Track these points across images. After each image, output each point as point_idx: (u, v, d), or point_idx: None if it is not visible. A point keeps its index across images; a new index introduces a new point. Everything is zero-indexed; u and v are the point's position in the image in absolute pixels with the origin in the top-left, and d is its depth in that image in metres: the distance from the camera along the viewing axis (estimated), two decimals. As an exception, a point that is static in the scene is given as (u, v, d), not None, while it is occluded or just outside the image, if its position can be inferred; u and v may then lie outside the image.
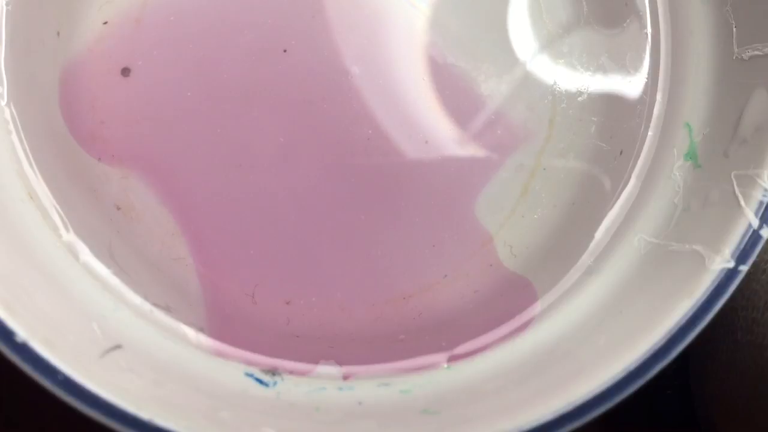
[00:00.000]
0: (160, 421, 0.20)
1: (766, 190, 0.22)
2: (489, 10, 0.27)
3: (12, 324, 0.20)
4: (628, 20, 0.27)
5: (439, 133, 0.27)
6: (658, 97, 0.27)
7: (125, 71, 0.26)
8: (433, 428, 0.22)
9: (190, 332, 0.25)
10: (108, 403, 0.20)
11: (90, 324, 0.23)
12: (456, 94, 0.27)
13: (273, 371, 0.24)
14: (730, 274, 0.22)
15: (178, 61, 0.26)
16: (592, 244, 0.26)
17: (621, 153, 0.27)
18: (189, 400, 0.22)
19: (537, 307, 0.26)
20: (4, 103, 0.24)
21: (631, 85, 0.27)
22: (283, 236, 0.26)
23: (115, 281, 0.24)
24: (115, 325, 0.23)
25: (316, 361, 0.25)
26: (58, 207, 0.24)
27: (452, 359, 0.25)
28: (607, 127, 0.27)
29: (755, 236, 0.22)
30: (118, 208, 0.26)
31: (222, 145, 0.26)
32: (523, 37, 0.27)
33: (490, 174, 0.27)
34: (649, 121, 0.27)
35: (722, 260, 0.22)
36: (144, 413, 0.20)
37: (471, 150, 0.27)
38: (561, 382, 0.22)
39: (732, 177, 0.23)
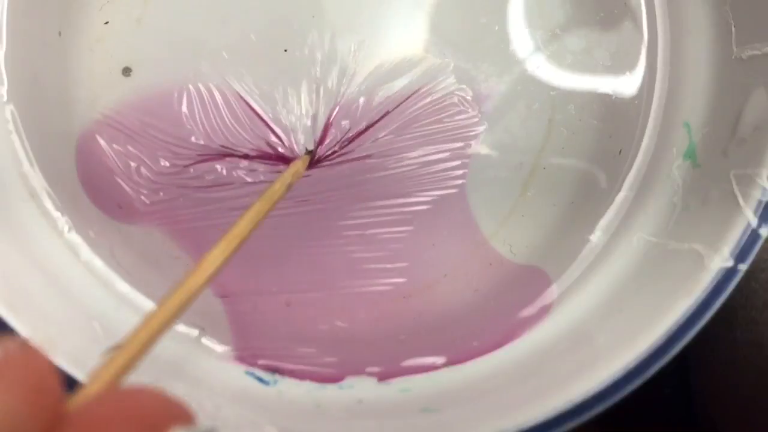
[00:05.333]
0: (161, 419, 0.20)
1: (765, 189, 0.22)
2: (488, 11, 0.27)
3: (13, 323, 0.20)
4: (626, 20, 0.27)
5: (439, 132, 0.27)
6: (657, 96, 0.27)
7: (126, 71, 0.26)
8: (433, 426, 0.22)
9: (192, 332, 0.25)
10: (109, 402, 0.20)
11: (91, 323, 0.23)
12: (456, 94, 0.27)
13: (274, 370, 0.24)
14: (729, 273, 0.22)
15: (178, 61, 0.26)
16: (591, 243, 0.26)
17: (620, 152, 0.27)
18: (190, 398, 0.22)
19: (536, 306, 0.26)
20: (5, 102, 0.24)
21: (629, 84, 0.27)
22: (282, 237, 0.26)
23: (116, 280, 0.24)
24: (116, 324, 0.23)
25: (316, 361, 0.25)
26: (59, 206, 0.24)
27: (452, 359, 0.25)
28: (605, 126, 0.27)
29: (754, 235, 0.22)
30: (120, 207, 0.26)
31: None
32: (522, 37, 0.27)
33: (490, 173, 0.27)
34: (648, 121, 0.27)
35: (721, 259, 0.22)
36: (145, 412, 0.20)
37: (471, 149, 0.27)
38: (560, 380, 0.22)
39: (731, 176, 0.23)
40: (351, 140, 0.26)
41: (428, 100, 0.27)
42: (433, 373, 0.25)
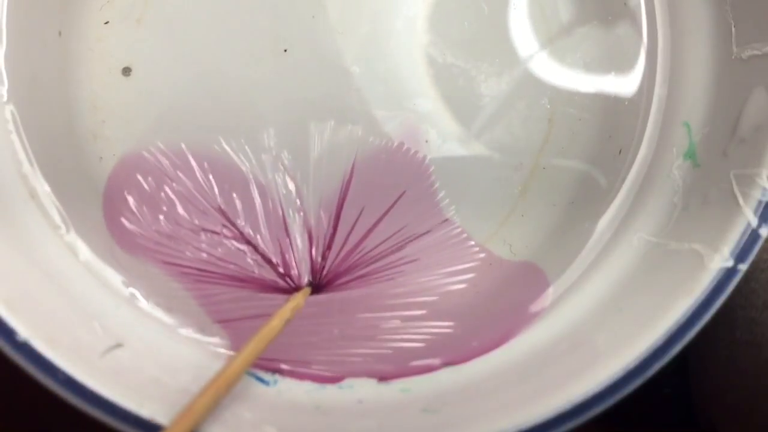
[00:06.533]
0: (161, 419, 0.20)
1: (764, 189, 0.22)
2: (489, 10, 0.27)
3: (13, 323, 0.20)
4: (626, 20, 0.27)
5: (439, 132, 0.27)
6: (657, 96, 0.27)
7: (126, 71, 0.26)
8: (433, 427, 0.22)
9: (191, 331, 0.25)
10: (109, 402, 0.20)
11: (91, 323, 0.23)
12: (456, 94, 0.27)
13: (274, 370, 0.24)
14: (729, 273, 0.22)
15: (178, 61, 0.26)
16: (591, 243, 0.26)
17: (620, 152, 0.27)
18: (190, 398, 0.22)
19: (536, 306, 0.26)
20: (5, 102, 0.24)
21: (629, 84, 0.27)
22: (281, 236, 0.26)
23: (116, 280, 0.24)
24: (116, 323, 0.23)
25: (316, 361, 0.25)
26: (59, 206, 0.24)
27: (452, 360, 0.25)
28: (605, 126, 0.27)
29: (754, 235, 0.22)
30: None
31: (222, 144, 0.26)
32: (522, 37, 0.27)
33: (490, 173, 0.27)
34: (648, 121, 0.27)
35: (721, 259, 0.22)
36: (145, 411, 0.20)
37: (471, 149, 0.27)
38: (560, 381, 0.22)
39: (731, 176, 0.23)
40: (329, 245, 0.26)
41: (369, 158, 0.26)
42: (433, 374, 0.25)
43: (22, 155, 0.24)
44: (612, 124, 0.27)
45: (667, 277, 0.23)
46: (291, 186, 0.26)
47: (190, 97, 0.26)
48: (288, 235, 0.26)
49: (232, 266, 0.25)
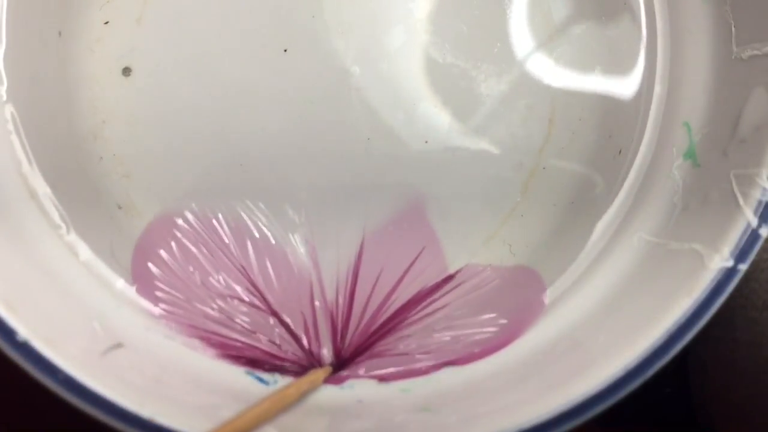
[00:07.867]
0: (160, 419, 0.20)
1: (764, 189, 0.22)
2: (488, 10, 0.27)
3: (13, 323, 0.20)
4: (626, 19, 0.27)
5: (439, 132, 0.27)
6: (657, 96, 0.27)
7: (126, 71, 0.26)
8: (433, 427, 0.22)
9: (192, 331, 0.25)
10: (109, 402, 0.20)
11: (91, 323, 0.23)
12: (456, 94, 0.27)
13: (274, 370, 0.24)
14: (729, 273, 0.22)
15: (178, 61, 0.26)
16: (591, 243, 0.26)
17: (620, 152, 0.27)
18: (190, 398, 0.22)
19: (537, 306, 0.26)
20: (4, 102, 0.24)
21: (629, 84, 0.27)
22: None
23: (116, 280, 0.24)
24: (116, 323, 0.23)
25: (314, 364, 0.25)
26: (59, 206, 0.24)
27: (452, 361, 0.25)
28: (605, 126, 0.27)
29: (754, 235, 0.22)
30: (120, 207, 0.26)
31: (222, 144, 0.26)
32: (522, 37, 0.27)
33: (489, 173, 0.27)
34: (648, 121, 0.27)
35: (721, 259, 0.22)
36: (145, 411, 0.20)
37: (471, 149, 0.27)
38: (560, 380, 0.22)
39: (731, 176, 0.23)
40: (347, 322, 0.25)
41: (378, 231, 0.26)
42: (433, 374, 0.25)
43: (21, 155, 0.24)
44: (612, 124, 0.27)
45: (668, 277, 0.23)
46: (313, 258, 0.26)
47: (190, 96, 0.26)
48: (313, 310, 0.25)
49: (250, 338, 0.25)
